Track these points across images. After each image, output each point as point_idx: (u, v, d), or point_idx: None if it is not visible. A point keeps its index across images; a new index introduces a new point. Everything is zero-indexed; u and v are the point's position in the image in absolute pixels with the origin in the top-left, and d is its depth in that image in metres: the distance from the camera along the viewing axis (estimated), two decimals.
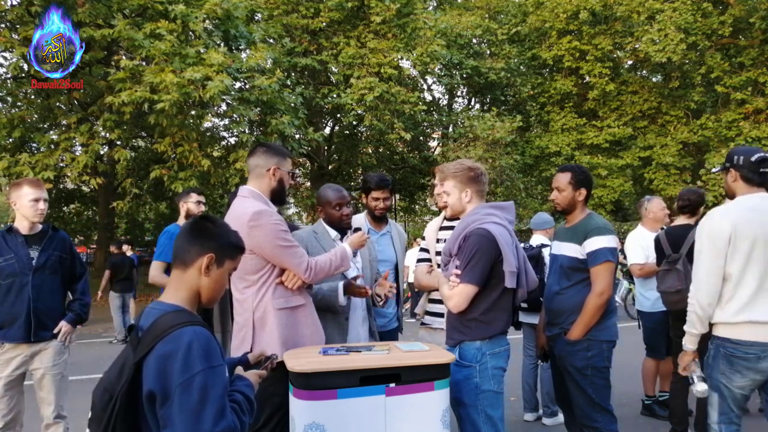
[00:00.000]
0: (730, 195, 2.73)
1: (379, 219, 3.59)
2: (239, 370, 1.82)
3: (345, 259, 2.70)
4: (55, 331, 3.28)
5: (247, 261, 2.45)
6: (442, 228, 3.22)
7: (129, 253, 10.16)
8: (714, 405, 2.62)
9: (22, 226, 3.28)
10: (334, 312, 2.90)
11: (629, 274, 4.27)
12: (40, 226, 3.35)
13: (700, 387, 2.64)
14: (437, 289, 2.93)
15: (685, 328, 2.67)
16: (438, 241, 3.19)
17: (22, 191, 3.24)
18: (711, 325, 2.61)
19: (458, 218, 3.09)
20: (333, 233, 3.02)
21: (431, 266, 3.16)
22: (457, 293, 2.52)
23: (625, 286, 10.93)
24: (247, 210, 2.48)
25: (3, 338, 3.19)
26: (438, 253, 3.13)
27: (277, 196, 2.69)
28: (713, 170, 3.38)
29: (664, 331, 4.41)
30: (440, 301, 3.04)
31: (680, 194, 4.24)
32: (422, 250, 3.31)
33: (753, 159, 2.59)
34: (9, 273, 3.18)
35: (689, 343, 2.67)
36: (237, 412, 1.56)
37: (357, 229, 2.97)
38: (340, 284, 2.88)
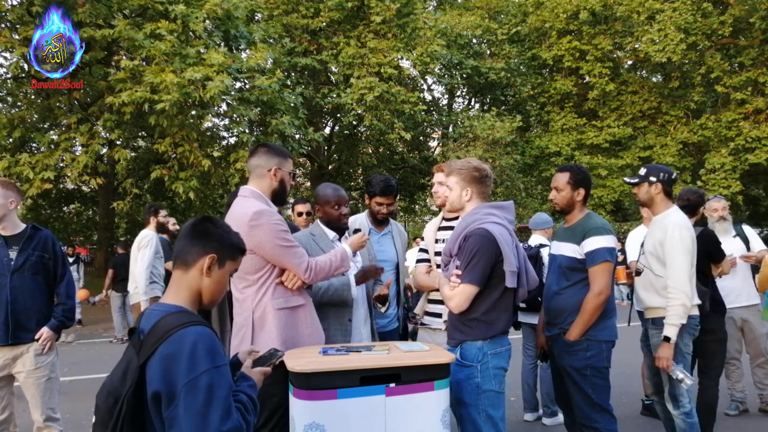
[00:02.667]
0: (647, 205, 3.34)
1: (381, 221, 3.60)
2: (245, 368, 1.82)
3: (345, 260, 2.71)
4: (36, 336, 3.21)
5: (247, 261, 2.45)
6: (440, 228, 3.23)
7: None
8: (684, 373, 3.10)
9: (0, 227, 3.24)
10: (343, 305, 2.90)
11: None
12: (22, 226, 3.29)
13: (689, 381, 3.07)
14: (436, 290, 2.93)
15: (672, 321, 3.04)
16: (437, 241, 3.19)
17: None
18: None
19: (457, 218, 3.10)
20: (331, 234, 3.01)
21: (430, 266, 3.16)
22: (458, 293, 2.52)
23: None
24: (248, 210, 2.48)
25: None
26: (437, 254, 3.13)
27: (278, 197, 2.69)
28: (626, 180, 3.54)
29: None
30: (439, 302, 3.04)
31: (680, 194, 4.24)
32: (421, 250, 3.31)
33: (673, 177, 3.27)
34: None
35: (674, 334, 3.05)
36: (242, 412, 1.56)
37: (357, 230, 2.97)
38: (352, 277, 2.87)
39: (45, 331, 3.24)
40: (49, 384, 3.28)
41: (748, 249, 4.62)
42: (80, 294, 10.23)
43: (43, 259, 3.26)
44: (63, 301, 3.36)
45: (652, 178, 3.24)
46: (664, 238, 3.13)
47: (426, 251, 3.25)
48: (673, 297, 3.04)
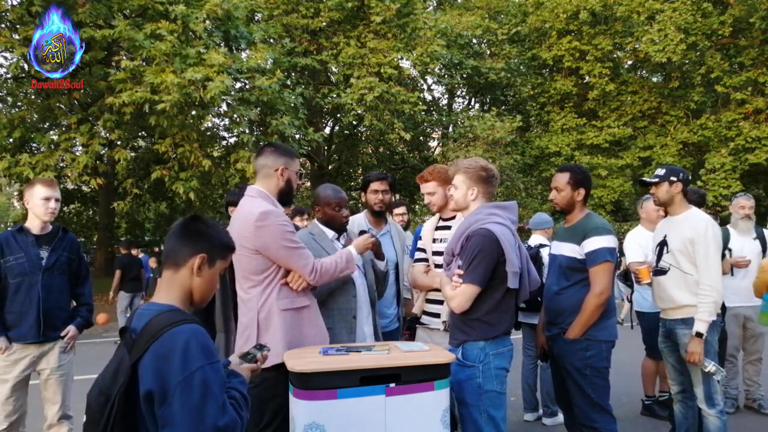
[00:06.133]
0: (666, 204, 3.36)
1: (378, 216, 3.59)
2: (234, 365, 1.83)
3: (351, 262, 2.71)
4: (63, 334, 3.30)
5: (252, 261, 2.46)
6: (438, 228, 3.23)
7: (140, 255, 10.25)
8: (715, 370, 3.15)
9: (33, 225, 3.30)
10: (347, 305, 2.87)
11: (624, 276, 4.28)
12: (50, 227, 3.37)
13: (720, 374, 3.13)
14: (434, 289, 2.93)
15: (705, 318, 3.09)
16: (434, 240, 3.20)
17: (34, 190, 3.28)
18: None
19: (454, 217, 3.09)
20: (330, 233, 3.01)
21: (428, 266, 3.17)
22: (459, 293, 2.52)
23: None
24: (254, 210, 2.49)
25: (13, 338, 3.20)
26: (434, 253, 3.14)
27: (285, 197, 2.70)
28: (645, 180, 3.49)
29: None
30: (437, 302, 3.05)
31: None
32: (419, 250, 3.31)
33: (689, 178, 3.33)
34: (19, 272, 3.20)
35: (706, 330, 3.10)
36: (236, 408, 1.57)
37: (363, 232, 2.96)
38: (353, 248, 2.78)
39: (72, 329, 3.34)
40: (69, 382, 3.37)
41: (765, 252, 4.69)
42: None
43: (69, 260, 3.37)
44: (87, 302, 3.48)
45: (673, 178, 3.30)
46: (695, 236, 3.18)
47: (424, 251, 3.25)
48: (706, 294, 3.12)
